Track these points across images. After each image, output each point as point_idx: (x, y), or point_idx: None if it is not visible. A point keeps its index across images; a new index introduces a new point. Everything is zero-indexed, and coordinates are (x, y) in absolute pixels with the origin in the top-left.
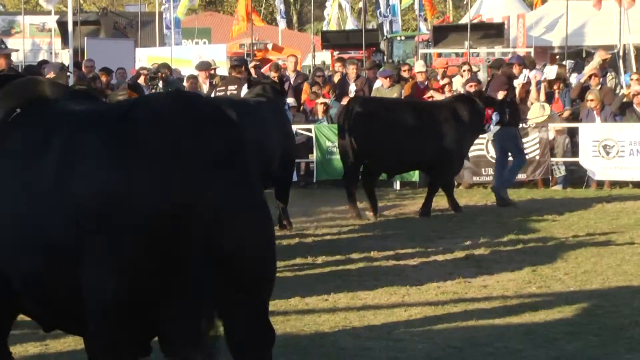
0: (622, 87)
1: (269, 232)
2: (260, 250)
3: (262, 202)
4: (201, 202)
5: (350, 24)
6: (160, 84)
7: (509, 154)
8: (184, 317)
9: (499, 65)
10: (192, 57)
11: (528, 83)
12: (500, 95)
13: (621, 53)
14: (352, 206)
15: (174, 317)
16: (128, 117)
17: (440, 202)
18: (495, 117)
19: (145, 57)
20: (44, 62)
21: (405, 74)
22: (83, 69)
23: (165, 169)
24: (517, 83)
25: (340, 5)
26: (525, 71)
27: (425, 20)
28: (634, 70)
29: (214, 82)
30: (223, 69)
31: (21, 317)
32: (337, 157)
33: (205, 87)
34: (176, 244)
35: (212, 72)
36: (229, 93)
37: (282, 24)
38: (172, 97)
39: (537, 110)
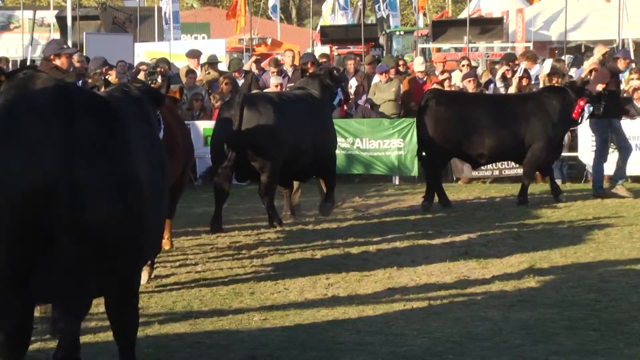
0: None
1: (134, 210)
2: (124, 228)
3: (131, 183)
4: (66, 182)
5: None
6: (159, 79)
7: (608, 145)
8: (59, 287)
9: (509, 59)
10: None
11: (527, 78)
12: (599, 87)
13: (620, 48)
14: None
15: (49, 287)
16: (12, 107)
17: (448, 194)
18: (588, 108)
19: (144, 52)
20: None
21: (401, 69)
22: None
23: (34, 151)
24: (515, 77)
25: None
26: (522, 65)
27: (425, 15)
28: (633, 65)
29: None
30: (222, 65)
31: None
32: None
33: (198, 73)
34: (44, 219)
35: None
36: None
37: (274, 17)
38: (52, 89)
39: None
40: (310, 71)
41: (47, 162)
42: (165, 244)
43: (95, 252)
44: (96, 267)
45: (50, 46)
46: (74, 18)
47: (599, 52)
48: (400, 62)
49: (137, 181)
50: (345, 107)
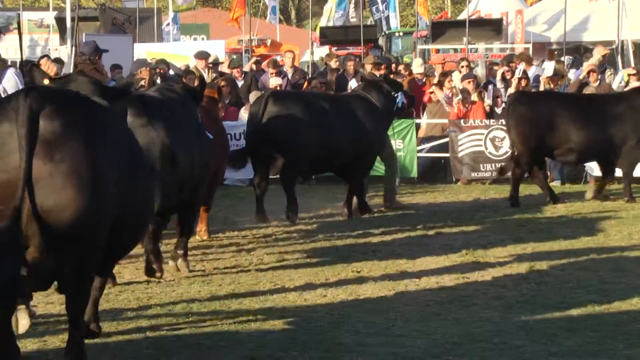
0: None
1: (80, 197)
2: (71, 212)
3: (82, 175)
4: (27, 174)
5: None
6: (159, 80)
7: None
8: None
9: (510, 60)
10: (190, 53)
11: (526, 79)
12: None
13: (619, 49)
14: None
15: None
16: None
17: (438, 197)
18: None
19: (144, 53)
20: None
21: (403, 72)
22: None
23: (5, 147)
24: (514, 78)
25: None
26: (520, 66)
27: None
28: (632, 65)
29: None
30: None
31: None
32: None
33: (206, 74)
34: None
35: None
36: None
37: (273, 20)
38: (24, 90)
39: None
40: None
41: (11, 157)
42: (203, 234)
43: (53, 234)
44: (51, 249)
45: (88, 47)
46: (73, 19)
47: (598, 53)
48: (400, 67)
49: (90, 175)
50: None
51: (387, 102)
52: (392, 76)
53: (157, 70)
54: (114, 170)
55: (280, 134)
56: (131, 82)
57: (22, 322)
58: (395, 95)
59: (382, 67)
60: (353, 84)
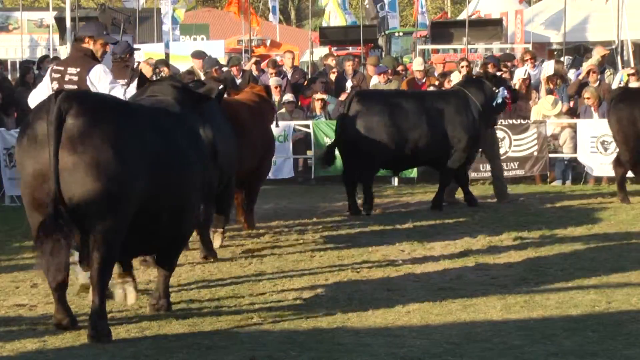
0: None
1: (93, 186)
2: (87, 198)
3: (102, 166)
4: (55, 165)
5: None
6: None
7: None
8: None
9: (508, 59)
10: (190, 53)
11: (528, 79)
12: None
13: (619, 49)
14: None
15: None
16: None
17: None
18: None
19: (143, 53)
20: (45, 57)
21: (402, 73)
22: None
23: (35, 145)
24: (517, 78)
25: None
26: (526, 66)
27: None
28: (632, 65)
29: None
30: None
31: (19, 313)
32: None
33: (201, 75)
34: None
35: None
36: None
37: (274, 20)
38: (55, 93)
39: (548, 105)
40: (491, 72)
41: (39, 154)
42: (245, 227)
43: (78, 216)
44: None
45: (120, 47)
46: (73, 19)
47: (597, 53)
48: (400, 68)
49: (110, 167)
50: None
51: (487, 97)
52: (392, 77)
53: (157, 70)
54: (139, 162)
55: (357, 133)
56: (212, 88)
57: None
58: (497, 90)
59: (490, 65)
60: (349, 84)
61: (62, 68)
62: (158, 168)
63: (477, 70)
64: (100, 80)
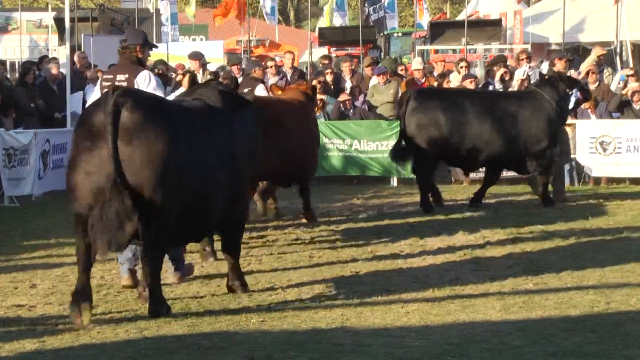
0: (618, 84)
1: (153, 174)
2: (147, 185)
3: (155, 157)
4: (115, 155)
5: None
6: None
7: None
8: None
9: (498, 62)
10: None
11: (527, 79)
12: None
13: (618, 50)
14: None
15: None
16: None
17: (445, 195)
18: None
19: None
20: (44, 57)
21: (402, 73)
22: (76, 61)
23: (92, 136)
24: (516, 79)
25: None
26: (524, 67)
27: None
28: (631, 66)
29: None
30: (214, 65)
31: (18, 314)
32: (334, 153)
33: (200, 75)
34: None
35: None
36: None
37: (270, 21)
38: (112, 89)
39: None
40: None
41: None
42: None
43: (138, 200)
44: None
45: (250, 65)
46: (72, 20)
47: (595, 53)
48: (400, 68)
49: (162, 157)
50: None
51: (561, 97)
52: (392, 77)
53: (156, 71)
54: (187, 155)
55: (411, 131)
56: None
57: (84, 314)
58: (570, 92)
59: (563, 59)
60: (348, 84)
61: (111, 76)
62: (204, 161)
63: (475, 70)
64: (146, 84)
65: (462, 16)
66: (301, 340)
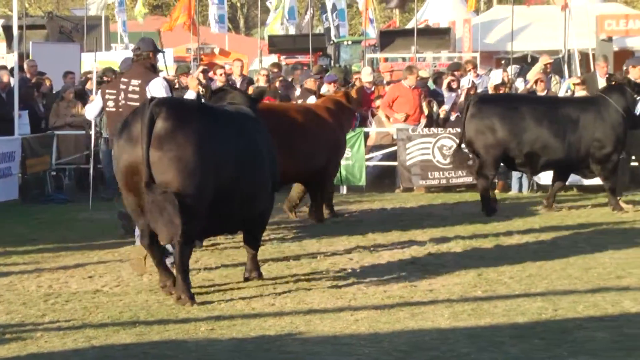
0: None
1: (184, 172)
2: (174, 187)
3: (183, 161)
4: (147, 159)
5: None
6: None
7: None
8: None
9: (455, 68)
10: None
11: (473, 87)
12: None
13: (566, 58)
14: None
15: None
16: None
17: (386, 205)
18: None
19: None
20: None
21: (358, 83)
22: (26, 69)
23: (131, 142)
24: (462, 87)
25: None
26: (469, 75)
27: (372, 22)
28: (579, 74)
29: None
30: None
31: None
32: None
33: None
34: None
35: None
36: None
37: (216, 29)
38: (149, 99)
39: None
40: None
41: (133, 149)
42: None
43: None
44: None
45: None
46: (20, 27)
47: (542, 62)
48: (357, 76)
49: (190, 161)
50: None
51: (628, 103)
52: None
53: (105, 78)
54: (214, 158)
55: (470, 136)
56: (264, 90)
57: None
58: (638, 98)
59: (637, 67)
60: (298, 92)
61: (126, 80)
62: (231, 163)
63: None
64: (159, 90)
65: (411, 24)
66: (250, 349)
